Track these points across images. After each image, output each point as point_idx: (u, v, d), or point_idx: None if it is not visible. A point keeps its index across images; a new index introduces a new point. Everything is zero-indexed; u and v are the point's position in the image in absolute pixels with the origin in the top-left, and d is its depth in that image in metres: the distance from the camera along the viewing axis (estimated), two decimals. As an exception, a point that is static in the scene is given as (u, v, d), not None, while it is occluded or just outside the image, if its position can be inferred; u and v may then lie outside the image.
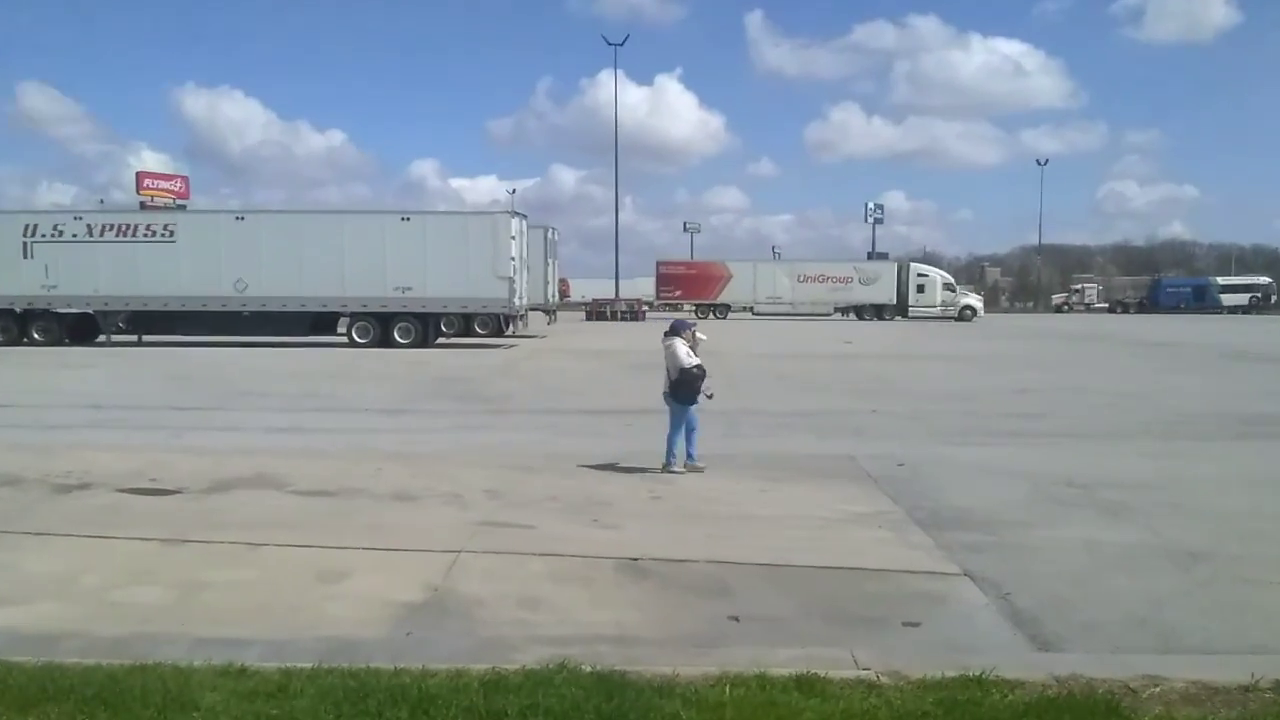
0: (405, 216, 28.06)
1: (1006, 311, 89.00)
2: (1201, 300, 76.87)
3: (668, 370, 9.42)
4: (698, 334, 9.59)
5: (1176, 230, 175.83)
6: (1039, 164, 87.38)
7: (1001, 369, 22.29)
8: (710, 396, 9.56)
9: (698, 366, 9.30)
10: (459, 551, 6.57)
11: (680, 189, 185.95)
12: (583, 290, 78.25)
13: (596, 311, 55.38)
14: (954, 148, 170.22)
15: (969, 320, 55.26)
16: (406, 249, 27.38)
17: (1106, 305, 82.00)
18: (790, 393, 16.87)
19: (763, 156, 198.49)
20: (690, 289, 59.28)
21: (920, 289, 57.03)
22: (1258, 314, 72.37)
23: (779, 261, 67.67)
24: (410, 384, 18.23)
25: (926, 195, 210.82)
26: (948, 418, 13.59)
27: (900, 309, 57.12)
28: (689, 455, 9.44)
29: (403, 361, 23.12)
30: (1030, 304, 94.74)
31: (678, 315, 10.32)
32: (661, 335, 9.57)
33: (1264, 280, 78.09)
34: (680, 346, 9.32)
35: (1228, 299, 75.66)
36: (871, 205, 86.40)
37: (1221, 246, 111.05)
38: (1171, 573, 6.16)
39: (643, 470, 9.38)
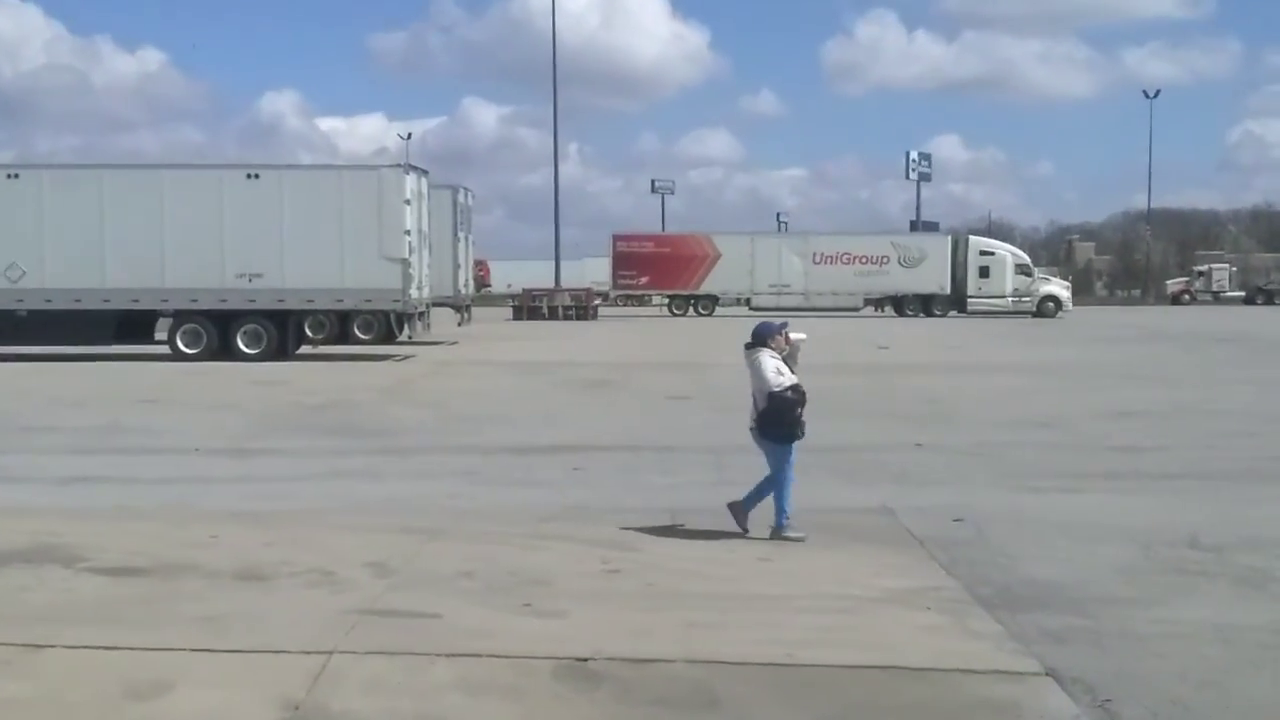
0: (252, 173, 27.93)
1: (1104, 303, 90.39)
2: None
3: (754, 396, 9.31)
4: (792, 335, 9.42)
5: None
6: (1147, 97, 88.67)
7: (1097, 384, 22.60)
8: (801, 434, 9.34)
9: (793, 388, 9.13)
10: (330, 653, 6.52)
11: (647, 133, 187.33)
12: (509, 277, 78.35)
13: (529, 306, 55.44)
14: (1029, 75, 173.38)
15: (1052, 316, 56.06)
16: (254, 219, 27.24)
17: (1242, 293, 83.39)
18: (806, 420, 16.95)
19: (762, 88, 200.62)
20: (661, 274, 59.64)
21: (984, 272, 57.80)
22: None
23: (786, 235, 68.42)
24: (261, 412, 18.13)
25: (991, 142, 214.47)
26: (1022, 453, 13.76)
27: (956, 300, 57.85)
28: (781, 520, 9.29)
29: (250, 380, 22.99)
30: (1137, 292, 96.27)
31: (761, 318, 10.20)
32: (743, 347, 9.45)
33: None
34: (767, 361, 9.18)
35: None
36: (915, 155, 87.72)
37: None
38: (1328, 668, 6.27)
39: (600, 529, 9.38)
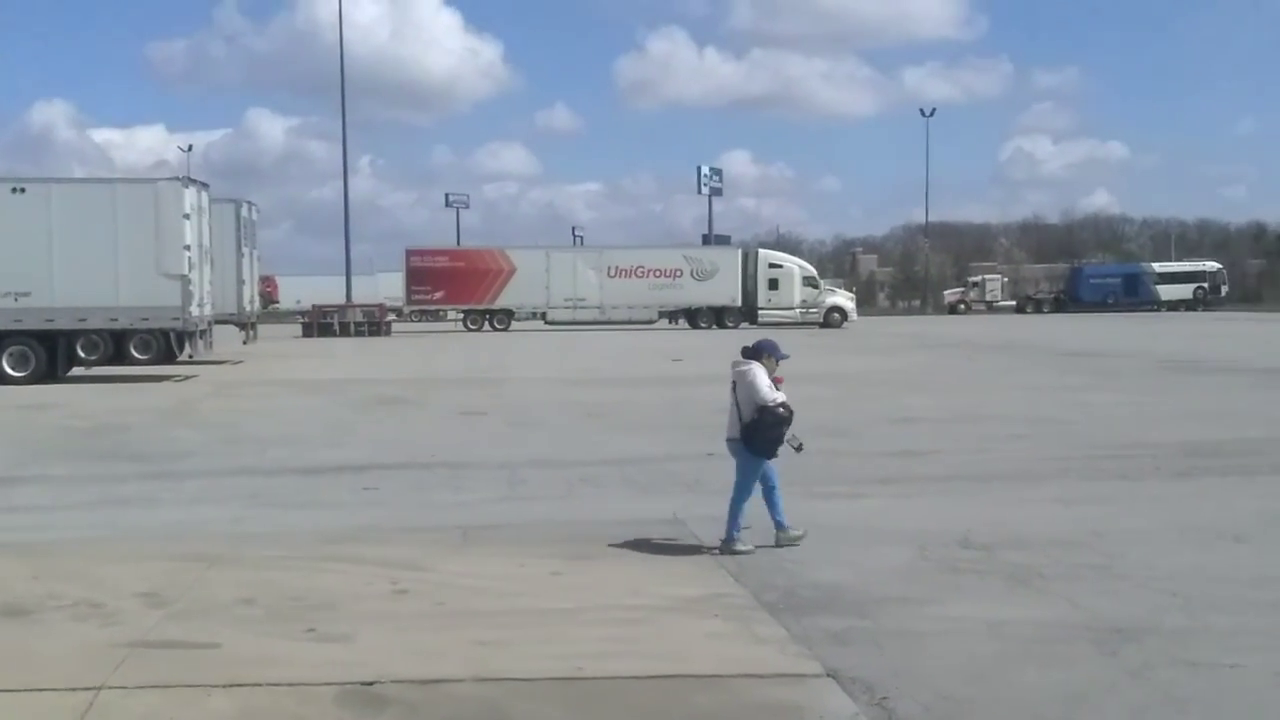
0: (18, 187, 26.68)
1: (887, 313, 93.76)
2: (1134, 293, 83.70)
3: (737, 406, 9.45)
4: (778, 368, 9.65)
5: (1101, 202, 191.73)
6: (924, 115, 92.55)
7: (879, 392, 23.41)
8: (799, 448, 9.58)
9: (784, 405, 9.31)
10: (98, 688, 6.23)
11: (441, 147, 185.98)
12: (299, 292, 76.69)
13: (319, 323, 54.36)
14: (815, 93, 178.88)
15: (838, 326, 57.83)
16: (20, 236, 25.98)
17: (1014, 302, 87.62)
18: (597, 433, 17.12)
19: (557, 101, 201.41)
20: (456, 288, 59.19)
21: (773, 285, 59.28)
22: (1204, 309, 79.48)
23: (582, 249, 68.81)
24: (25, 438, 17.33)
25: (780, 157, 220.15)
26: (809, 460, 14.02)
27: (748, 312, 59.13)
28: (778, 523, 9.49)
29: (15, 404, 21.97)
30: (917, 302, 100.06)
31: (761, 335, 10.25)
32: (736, 358, 9.64)
33: (1211, 266, 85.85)
34: (761, 375, 9.37)
35: (1167, 290, 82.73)
36: (707, 170, 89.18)
37: (1158, 223, 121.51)
38: (1095, 659, 6.61)
39: (390, 550, 9.21)
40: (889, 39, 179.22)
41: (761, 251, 63.78)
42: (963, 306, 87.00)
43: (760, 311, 58.84)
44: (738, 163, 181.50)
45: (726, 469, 13.35)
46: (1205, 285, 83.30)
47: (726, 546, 9.32)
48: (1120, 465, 13.48)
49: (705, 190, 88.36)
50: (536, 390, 24.76)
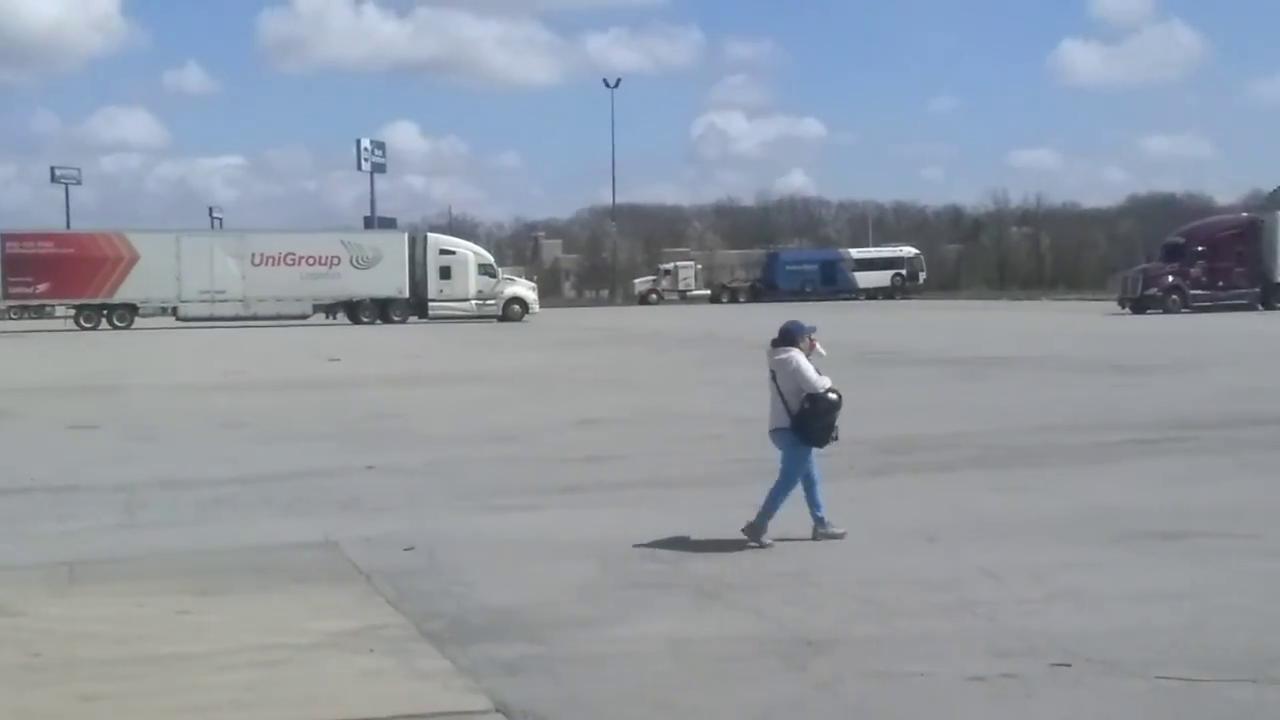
0: None
1: (573, 303, 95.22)
2: (832, 280, 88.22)
3: (781, 396, 9.93)
4: (818, 345, 10.20)
5: (798, 183, 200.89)
6: (608, 86, 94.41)
7: (563, 391, 23.75)
8: (837, 438, 10.09)
9: (833, 390, 9.85)
10: None
11: (44, 112, 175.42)
12: None
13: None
14: (490, 59, 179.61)
15: (518, 319, 58.34)
16: None
17: (708, 291, 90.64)
18: (240, 446, 16.70)
19: (188, 60, 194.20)
20: (64, 280, 56.15)
21: (445, 273, 59.14)
22: (903, 296, 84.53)
23: (220, 233, 66.79)
24: None
25: (452, 130, 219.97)
26: (482, 469, 14.17)
27: (417, 304, 58.84)
28: (819, 519, 10.00)
29: None
30: (606, 292, 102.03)
31: (790, 317, 10.54)
32: (769, 346, 10.16)
33: (909, 252, 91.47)
34: (804, 361, 9.89)
35: (864, 278, 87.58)
36: (368, 144, 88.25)
37: (855, 205, 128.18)
38: (783, 674, 6.89)
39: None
40: (570, 1, 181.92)
41: (431, 236, 63.56)
42: (654, 296, 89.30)
43: (431, 303, 58.65)
44: (404, 136, 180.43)
45: (391, 483, 13.30)
46: (903, 272, 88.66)
47: (754, 534, 9.85)
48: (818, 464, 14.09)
49: (366, 166, 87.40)
50: (163, 398, 23.82)
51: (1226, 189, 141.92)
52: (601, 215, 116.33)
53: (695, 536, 10.33)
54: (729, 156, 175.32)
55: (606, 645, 7.46)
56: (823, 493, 10.20)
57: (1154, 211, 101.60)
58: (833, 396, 9.89)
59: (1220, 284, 54.60)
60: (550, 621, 7.95)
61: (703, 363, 31.23)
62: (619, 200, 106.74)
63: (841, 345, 35.09)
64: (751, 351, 36.88)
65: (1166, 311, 51.64)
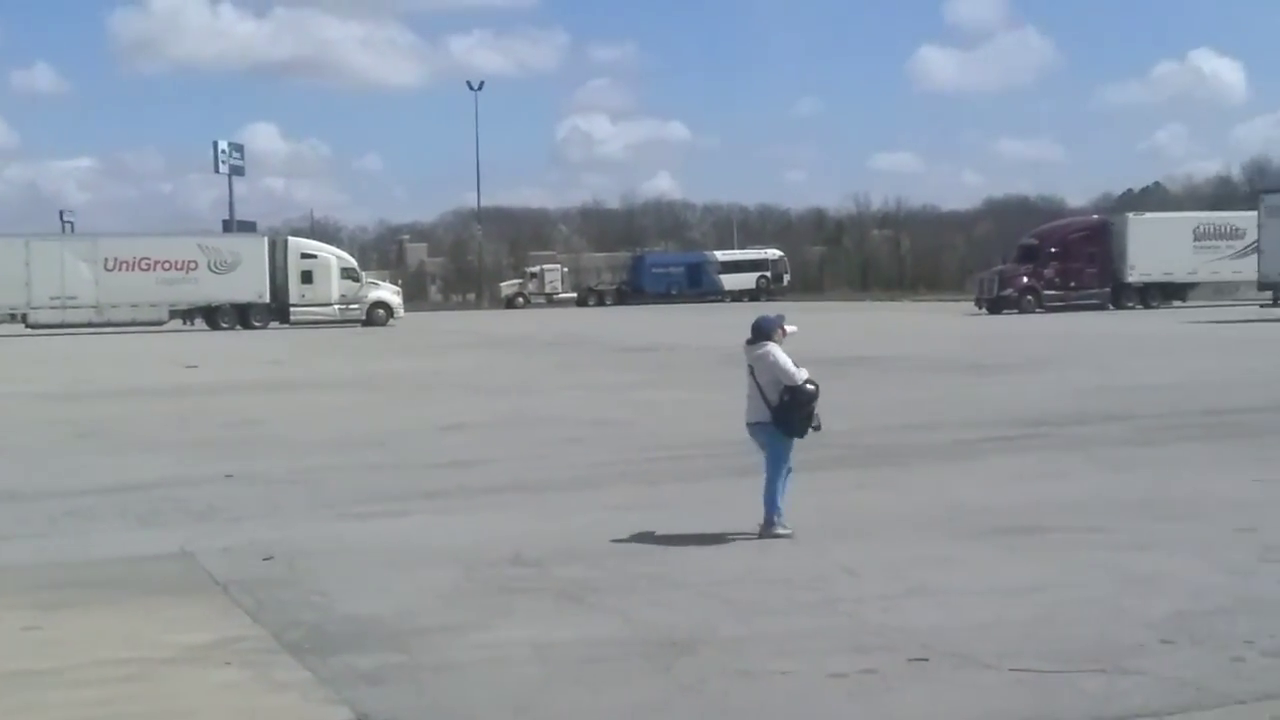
0: None
1: (439, 307, 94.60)
2: (698, 283, 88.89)
3: (759, 390, 10.23)
4: (787, 328, 10.50)
5: (663, 186, 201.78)
6: (472, 88, 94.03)
7: (428, 396, 23.63)
8: (818, 428, 10.36)
9: (811, 380, 10.15)
10: None
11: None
12: None
13: None
14: (352, 60, 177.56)
15: (383, 323, 57.81)
16: None
17: (575, 294, 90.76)
18: (92, 456, 16.37)
19: (37, 60, 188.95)
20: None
21: (307, 278, 58.33)
22: (768, 298, 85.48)
23: (71, 237, 65.01)
24: None
25: (313, 132, 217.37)
26: (344, 476, 14.02)
27: (278, 309, 57.98)
28: (773, 515, 10.25)
29: None
30: (472, 295, 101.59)
31: (762, 312, 11.01)
32: (745, 345, 10.49)
33: (773, 254, 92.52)
34: (782, 354, 10.19)
35: (730, 280, 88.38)
36: (225, 146, 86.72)
37: (720, 208, 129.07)
38: (647, 676, 6.91)
39: None
40: (432, 2, 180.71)
41: (292, 240, 62.61)
42: (521, 299, 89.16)
43: (293, 309, 57.82)
44: (263, 137, 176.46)
45: (250, 492, 13.08)
46: (768, 274, 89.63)
47: (767, 530, 10.18)
48: (680, 466, 14.21)
49: (224, 169, 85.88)
50: (11, 407, 23.16)
51: (1078, 191, 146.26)
52: (467, 218, 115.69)
53: (560, 540, 10.34)
54: (594, 159, 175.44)
55: (470, 652, 7.42)
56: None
57: (1009, 214, 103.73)
58: (810, 387, 10.21)
59: (1072, 284, 56.16)
60: (413, 629, 7.89)
61: (568, 366, 31.24)
62: (484, 203, 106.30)
63: (707, 348, 35.52)
64: (616, 354, 37.24)
65: (1022, 312, 52.96)
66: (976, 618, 7.80)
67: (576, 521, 11.16)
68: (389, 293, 62.24)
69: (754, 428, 10.53)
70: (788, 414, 10.20)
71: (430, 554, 10.00)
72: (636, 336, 42.32)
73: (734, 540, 10.31)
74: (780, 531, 10.22)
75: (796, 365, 10.21)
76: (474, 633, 7.80)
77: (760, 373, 10.29)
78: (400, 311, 60.44)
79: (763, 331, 10.45)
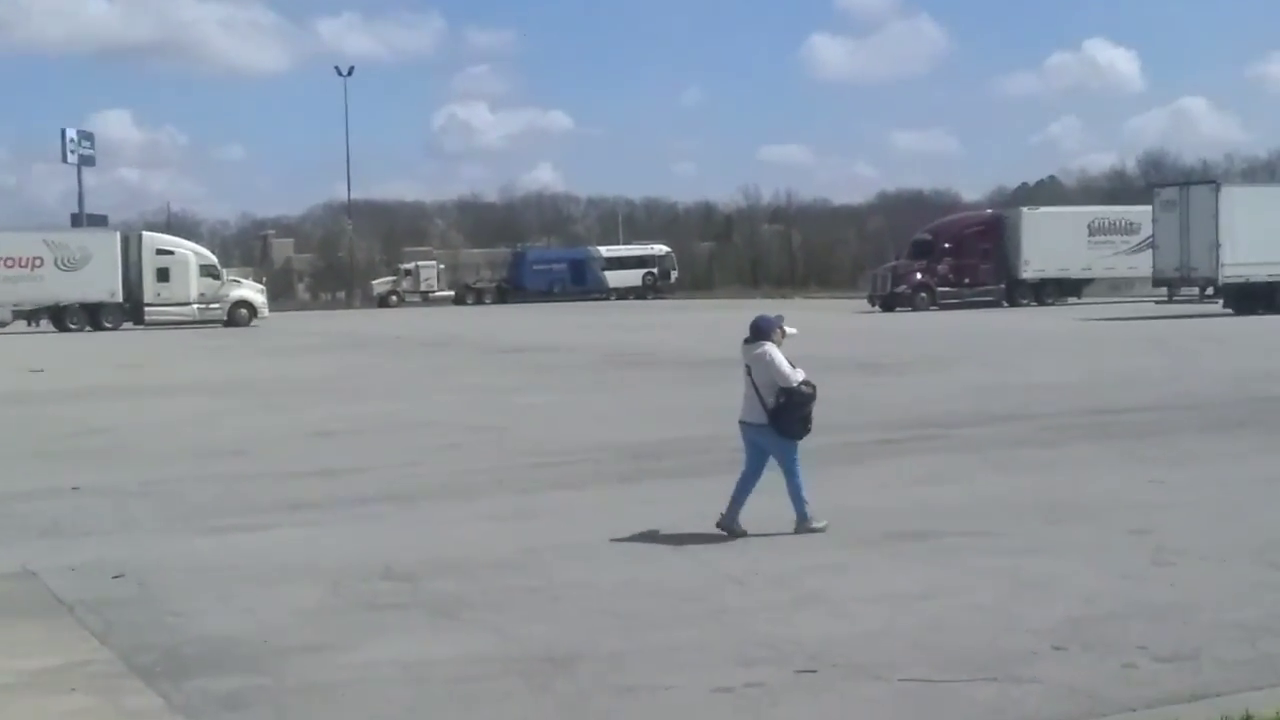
0: None
1: (307, 306, 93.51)
2: (582, 280, 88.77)
3: (756, 390, 10.53)
4: (786, 329, 10.75)
5: (545, 179, 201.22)
6: (340, 74, 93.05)
7: (294, 401, 23.36)
8: (809, 428, 10.65)
9: (807, 382, 10.50)
10: None
11: None
12: None
13: None
14: (212, 41, 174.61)
15: (246, 324, 57.03)
16: None
17: (453, 292, 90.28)
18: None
19: None
20: None
21: (163, 275, 57.33)
22: (655, 296, 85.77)
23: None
24: None
25: (170, 119, 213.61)
26: (202, 488, 13.81)
27: (132, 309, 56.92)
28: (731, 516, 10.65)
29: None
30: (343, 294, 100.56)
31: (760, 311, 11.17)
32: (743, 344, 10.73)
33: (660, 250, 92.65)
34: (779, 355, 10.47)
35: (615, 277, 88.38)
36: (74, 135, 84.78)
37: (604, 201, 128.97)
38: (525, 694, 6.91)
39: None
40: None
41: (147, 235, 61.44)
42: (395, 298, 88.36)
43: (148, 308, 56.75)
44: (116, 125, 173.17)
45: (96, 507, 12.82)
46: (655, 271, 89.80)
47: (802, 526, 10.61)
48: (559, 473, 14.21)
49: (73, 159, 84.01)
50: None
51: (972, 185, 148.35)
52: (337, 212, 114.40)
53: (433, 553, 10.29)
54: (472, 150, 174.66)
55: (337, 673, 7.36)
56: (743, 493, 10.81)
57: (903, 208, 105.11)
58: (806, 390, 10.51)
59: (967, 281, 57.06)
60: (275, 650, 7.81)
61: (444, 368, 31.06)
62: (355, 196, 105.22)
63: (588, 348, 35.61)
64: (494, 355, 37.12)
65: (915, 309, 53.66)
66: (866, 627, 7.92)
67: (451, 533, 11.11)
68: (252, 291, 61.33)
69: (747, 427, 10.82)
70: (783, 416, 10.50)
71: (294, 569, 9.88)
72: (516, 337, 42.22)
73: (617, 550, 10.34)
74: (815, 525, 10.64)
75: (793, 366, 10.52)
76: (341, 653, 7.73)
77: (757, 373, 10.58)
78: (265, 311, 59.58)
79: (761, 331, 10.72)
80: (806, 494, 10.72)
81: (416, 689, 7.06)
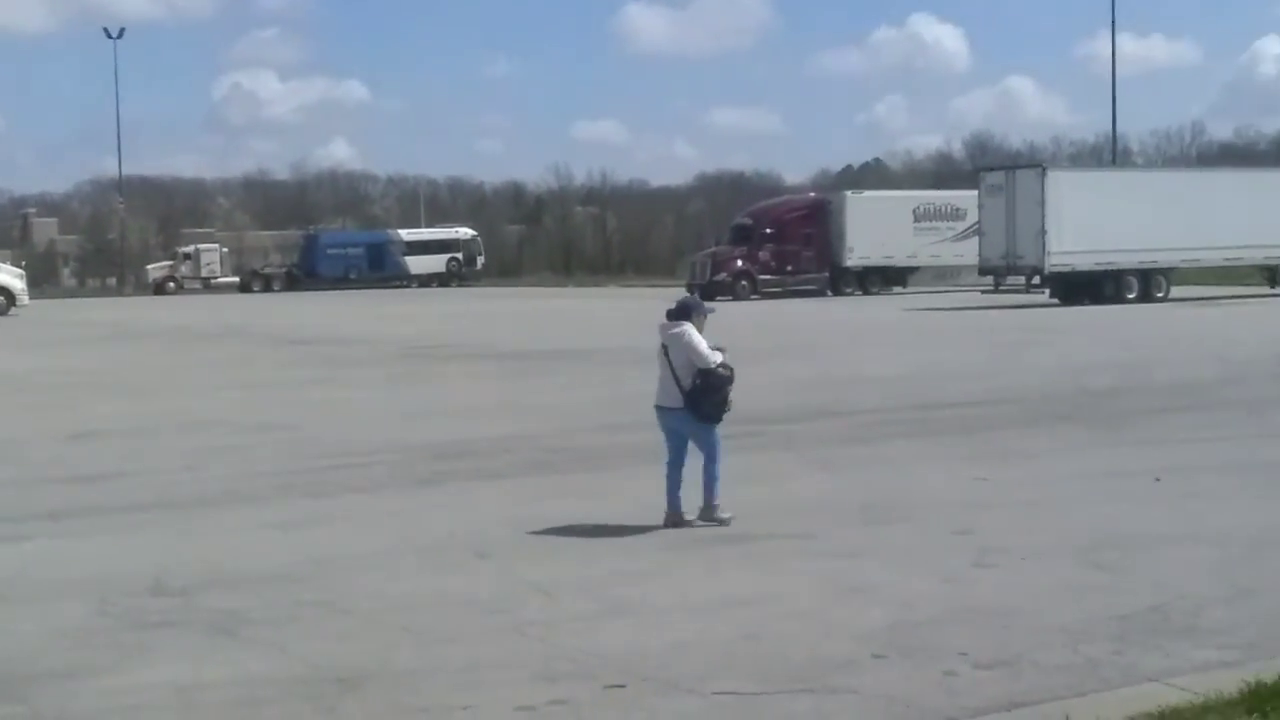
0: None
1: (74, 294, 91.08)
2: (381, 265, 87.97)
3: (673, 373, 10.82)
4: (708, 307, 11.28)
5: (340, 155, 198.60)
6: (110, 36, 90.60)
7: (54, 399, 22.93)
8: (729, 410, 10.91)
9: (725, 365, 10.77)
10: None
11: None
12: None
13: None
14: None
15: (4, 313, 55.16)
16: None
17: (238, 278, 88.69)
18: None
19: None
20: None
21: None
22: (459, 283, 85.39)
23: None
24: None
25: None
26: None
27: None
28: (673, 504, 10.96)
29: None
30: (114, 280, 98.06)
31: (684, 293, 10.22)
32: (663, 321, 11.00)
33: (466, 234, 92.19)
34: (697, 336, 10.78)
35: (416, 263, 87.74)
36: None
37: (405, 180, 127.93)
38: (309, 718, 6.82)
39: None
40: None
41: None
42: (173, 285, 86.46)
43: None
44: None
45: None
46: (460, 255, 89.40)
47: (706, 514, 10.88)
48: (353, 476, 14.07)
49: None
50: None
51: (796, 167, 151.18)
52: (107, 189, 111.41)
53: (209, 565, 10.11)
54: (259, 123, 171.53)
55: (100, 699, 7.18)
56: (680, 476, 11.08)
57: (723, 190, 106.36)
58: (724, 372, 10.77)
59: (789, 268, 57.82)
60: (31, 674, 7.60)
61: (226, 362, 30.53)
62: (128, 172, 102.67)
63: (385, 339, 35.31)
64: (283, 348, 36.63)
65: (736, 298, 54.21)
66: (678, 637, 7.98)
67: (230, 543, 10.93)
68: (10, 276, 59.37)
69: (664, 412, 11.10)
70: (699, 399, 10.77)
71: (54, 585, 9.64)
72: (308, 327, 41.69)
73: (414, 558, 10.27)
74: (721, 516, 10.88)
75: (712, 349, 10.77)
76: (106, 676, 7.55)
77: (674, 353, 10.86)
78: (24, 299, 57.71)
79: (685, 311, 11.09)
80: (719, 484, 10.95)
81: (190, 715, 6.94)
